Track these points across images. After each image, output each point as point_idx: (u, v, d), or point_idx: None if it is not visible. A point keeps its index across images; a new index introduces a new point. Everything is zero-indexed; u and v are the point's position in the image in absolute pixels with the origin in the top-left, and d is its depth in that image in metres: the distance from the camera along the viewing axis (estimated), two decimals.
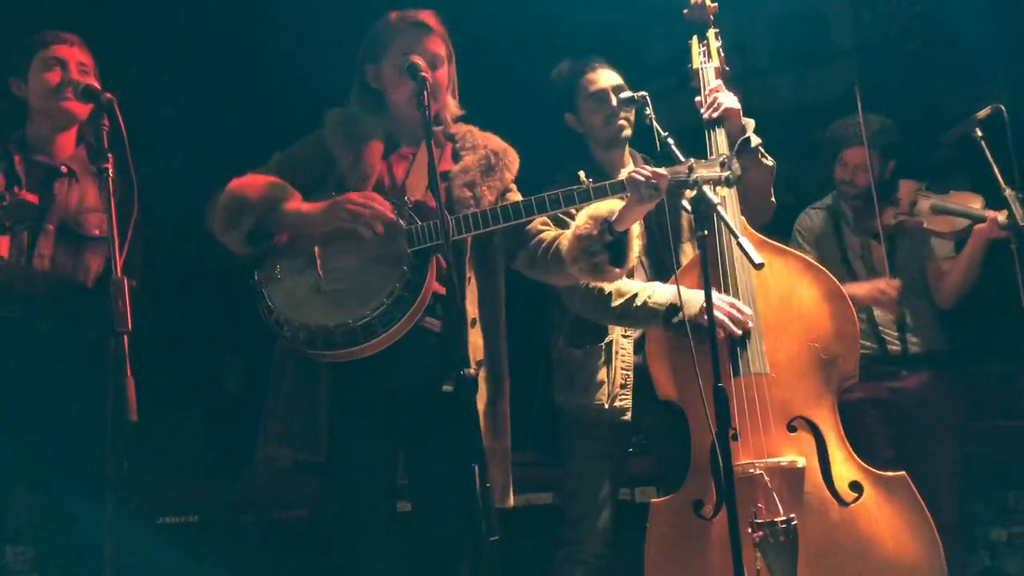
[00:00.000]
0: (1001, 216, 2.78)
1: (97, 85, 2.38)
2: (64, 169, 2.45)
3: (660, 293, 2.52)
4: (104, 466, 1.77)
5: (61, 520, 2.27)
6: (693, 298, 2.42)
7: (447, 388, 2.11)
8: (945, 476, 3.00)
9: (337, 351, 2.10)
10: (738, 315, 2.45)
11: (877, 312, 3.08)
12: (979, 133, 2.74)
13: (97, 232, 2.39)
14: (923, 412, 3.03)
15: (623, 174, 2.20)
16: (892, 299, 2.92)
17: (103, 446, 1.80)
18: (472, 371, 1.90)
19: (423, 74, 2.09)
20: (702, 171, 2.10)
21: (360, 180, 2.22)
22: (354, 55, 2.36)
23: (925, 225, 3.04)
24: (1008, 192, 2.67)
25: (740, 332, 2.46)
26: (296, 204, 2.16)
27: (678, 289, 2.36)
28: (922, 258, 3.15)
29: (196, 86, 4.23)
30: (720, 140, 2.63)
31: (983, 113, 2.74)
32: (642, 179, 2.11)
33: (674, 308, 2.43)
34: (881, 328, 3.08)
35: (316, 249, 2.13)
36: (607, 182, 2.15)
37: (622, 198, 2.17)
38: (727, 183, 2.12)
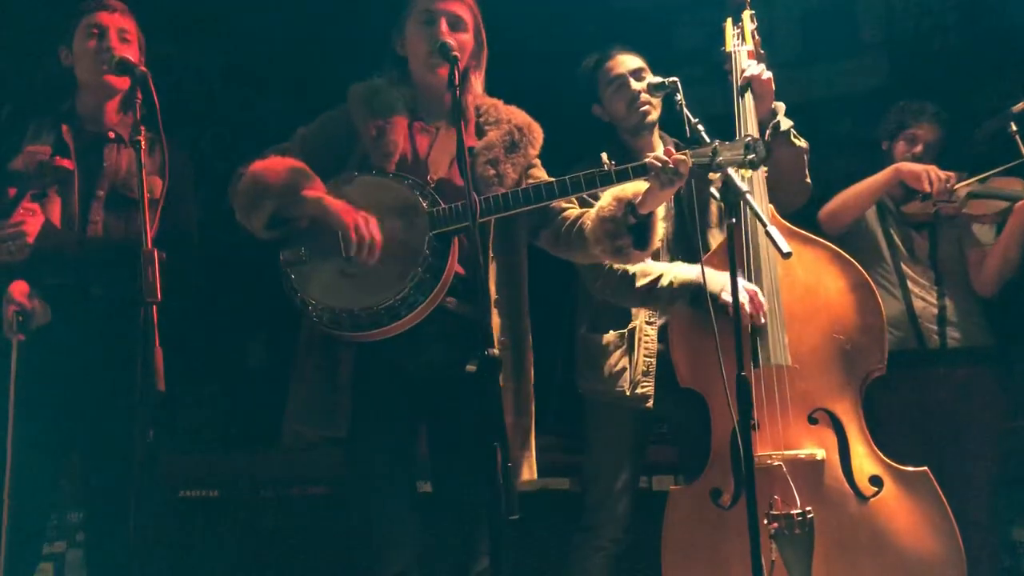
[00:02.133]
0: (1021, 205, 2.74)
1: (135, 56, 2.40)
2: (112, 135, 2.46)
3: (684, 273, 2.51)
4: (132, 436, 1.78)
5: (110, 489, 2.29)
6: (717, 278, 2.41)
7: (471, 367, 2.11)
8: (981, 475, 2.96)
9: (362, 332, 2.13)
10: (753, 304, 2.43)
11: (917, 306, 3.04)
12: (1014, 128, 2.71)
13: (149, 197, 2.40)
14: (961, 409, 2.98)
15: (657, 151, 2.19)
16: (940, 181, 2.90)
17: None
18: (496, 351, 1.90)
19: (455, 53, 2.09)
20: (726, 154, 2.08)
21: (383, 157, 2.22)
22: (382, 32, 2.36)
23: (964, 211, 3.00)
24: None
25: (751, 320, 2.43)
26: (317, 192, 2.16)
27: (703, 271, 2.34)
28: (964, 248, 3.10)
29: (225, 62, 4.25)
30: (748, 108, 2.61)
31: (1019, 107, 2.71)
32: (660, 164, 2.09)
33: (698, 287, 2.41)
34: (921, 321, 3.03)
35: (340, 232, 2.13)
36: (629, 165, 2.14)
37: (647, 180, 2.16)
38: (751, 165, 2.09)
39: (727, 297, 2.35)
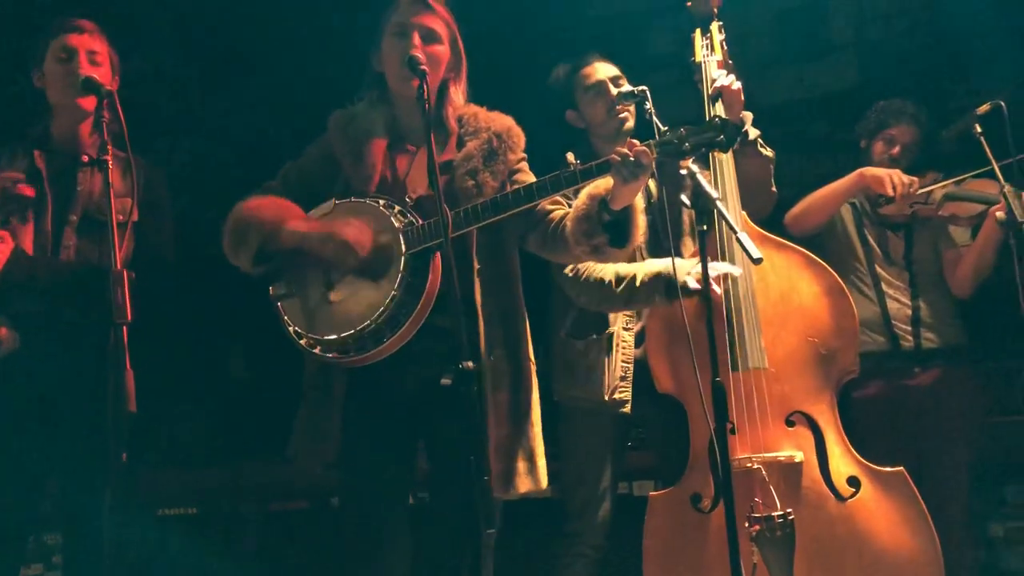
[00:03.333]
0: (1000, 212, 2.78)
1: (107, 77, 2.39)
2: (85, 158, 2.45)
3: (653, 266, 2.52)
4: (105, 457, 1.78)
5: (86, 510, 2.28)
6: (685, 265, 2.44)
7: (445, 381, 2.12)
8: (957, 473, 2.98)
9: (350, 357, 2.14)
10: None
11: (891, 308, 3.07)
12: (979, 129, 2.73)
13: (121, 218, 2.38)
14: (937, 409, 3.00)
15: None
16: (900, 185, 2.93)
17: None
18: (470, 364, 1.90)
19: (423, 67, 2.09)
20: (695, 137, 2.04)
21: (363, 181, 2.24)
22: (363, 46, 2.37)
23: (940, 212, 3.03)
24: (1007, 188, 2.66)
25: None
26: (296, 224, 2.19)
27: (673, 263, 2.35)
28: (939, 250, 3.13)
29: (201, 77, 4.24)
30: (719, 113, 2.63)
31: (983, 109, 2.73)
32: (620, 158, 2.06)
33: (669, 277, 2.42)
34: (895, 323, 3.06)
35: (322, 263, 2.15)
36: (593, 163, 2.11)
37: (612, 176, 2.12)
38: (722, 147, 2.06)
39: (694, 285, 2.38)
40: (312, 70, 3.62)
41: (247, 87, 3.99)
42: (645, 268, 2.53)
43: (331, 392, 2.21)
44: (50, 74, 2.43)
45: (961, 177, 2.99)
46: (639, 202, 2.19)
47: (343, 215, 2.19)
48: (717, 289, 2.44)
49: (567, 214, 2.25)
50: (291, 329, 2.19)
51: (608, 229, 2.15)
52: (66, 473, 2.37)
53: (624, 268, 2.57)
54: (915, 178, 2.98)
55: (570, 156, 2.15)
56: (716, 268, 2.46)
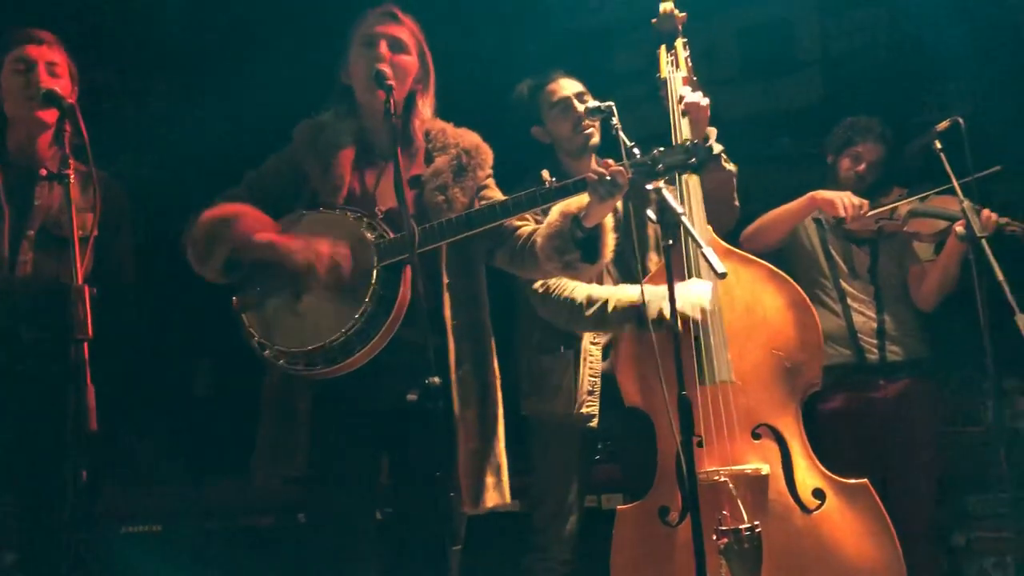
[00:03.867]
0: (959, 227, 2.82)
1: (66, 88, 2.36)
2: (44, 172, 2.41)
3: (627, 295, 2.54)
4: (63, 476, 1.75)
5: (44, 529, 2.25)
6: (659, 294, 2.44)
7: (411, 397, 2.11)
8: (921, 484, 3.03)
9: (318, 370, 2.12)
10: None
11: (856, 321, 3.11)
12: (938, 145, 2.78)
13: (82, 233, 2.36)
14: (900, 421, 3.04)
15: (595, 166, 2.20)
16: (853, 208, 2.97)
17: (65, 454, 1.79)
18: (437, 380, 1.90)
19: (389, 82, 2.10)
20: (667, 158, 2.09)
21: (330, 192, 2.22)
22: (331, 57, 2.36)
23: (905, 228, 3.07)
24: (965, 203, 2.71)
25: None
26: (267, 235, 2.16)
27: (642, 293, 2.37)
28: (904, 264, 3.18)
29: (168, 89, 4.20)
30: (685, 132, 2.66)
31: (942, 126, 2.78)
32: (597, 176, 2.09)
33: (642, 308, 2.44)
34: (860, 336, 3.10)
35: (290, 272, 2.13)
36: (569, 180, 2.14)
37: (588, 194, 2.16)
38: (694, 169, 2.11)
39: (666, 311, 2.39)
40: (281, 84, 3.60)
41: (213, 102, 3.96)
42: (618, 295, 2.55)
43: (295, 406, 2.18)
44: (7, 86, 2.40)
45: (925, 194, 3.05)
46: (608, 220, 2.22)
47: (312, 226, 2.18)
48: (697, 316, 2.45)
49: (535, 230, 2.27)
50: (255, 340, 2.15)
51: (580, 245, 2.17)
52: (24, 491, 2.33)
53: (596, 291, 2.58)
54: (865, 200, 3.02)
55: (545, 174, 2.18)
56: (689, 299, 2.47)
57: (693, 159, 2.08)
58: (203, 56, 3.95)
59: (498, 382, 2.31)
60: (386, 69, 2.15)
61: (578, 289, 2.59)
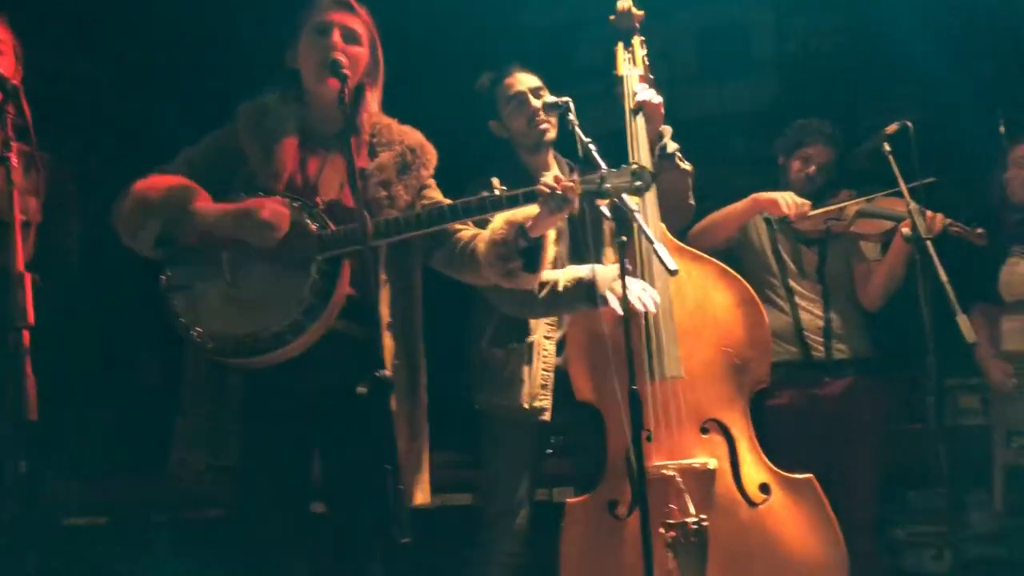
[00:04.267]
0: (905, 228, 2.89)
1: (10, 67, 2.30)
2: None
3: (575, 272, 2.55)
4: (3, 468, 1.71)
5: None
6: (608, 273, 2.47)
7: (361, 390, 2.10)
8: (864, 479, 3.08)
9: (248, 359, 2.08)
10: (647, 299, 2.50)
11: (804, 319, 3.16)
12: (887, 148, 2.83)
13: (24, 218, 2.29)
14: (845, 418, 3.09)
15: (547, 178, 2.22)
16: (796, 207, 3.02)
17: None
18: (387, 373, 1.90)
19: (345, 71, 2.08)
20: (614, 180, 2.12)
21: (271, 178, 2.17)
22: (277, 44, 2.32)
23: (852, 228, 3.13)
24: (912, 206, 2.76)
25: (648, 309, 2.49)
26: (204, 206, 2.10)
27: (594, 272, 2.38)
28: (851, 264, 3.23)
29: (117, 73, 4.11)
30: (640, 130, 2.69)
31: (891, 129, 2.82)
32: (548, 191, 2.12)
33: (590, 283, 2.46)
34: (806, 334, 3.14)
35: (225, 255, 2.08)
36: (520, 191, 2.15)
37: (538, 205, 2.17)
38: (637, 192, 2.14)
39: (614, 302, 2.41)
40: (235, 72, 3.55)
41: (167, 86, 3.90)
42: (567, 274, 2.56)
43: (224, 394, 2.13)
44: None
45: (872, 196, 3.11)
46: (551, 232, 2.24)
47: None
48: (640, 308, 2.47)
49: (476, 235, 2.27)
50: (181, 322, 2.08)
51: (523, 255, 2.19)
52: None
53: (546, 274, 2.59)
54: (807, 201, 3.07)
55: (495, 181, 2.18)
56: (637, 292, 2.48)
57: (639, 182, 2.12)
58: (156, 42, 3.88)
59: (425, 381, 2.29)
60: (342, 58, 2.13)
61: None
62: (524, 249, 2.19)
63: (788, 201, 3.05)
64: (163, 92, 3.88)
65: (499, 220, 2.21)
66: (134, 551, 3.11)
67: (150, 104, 3.90)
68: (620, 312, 2.36)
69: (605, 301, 2.41)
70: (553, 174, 2.18)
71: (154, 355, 3.98)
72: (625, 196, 2.16)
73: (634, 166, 2.13)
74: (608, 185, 2.11)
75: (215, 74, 3.64)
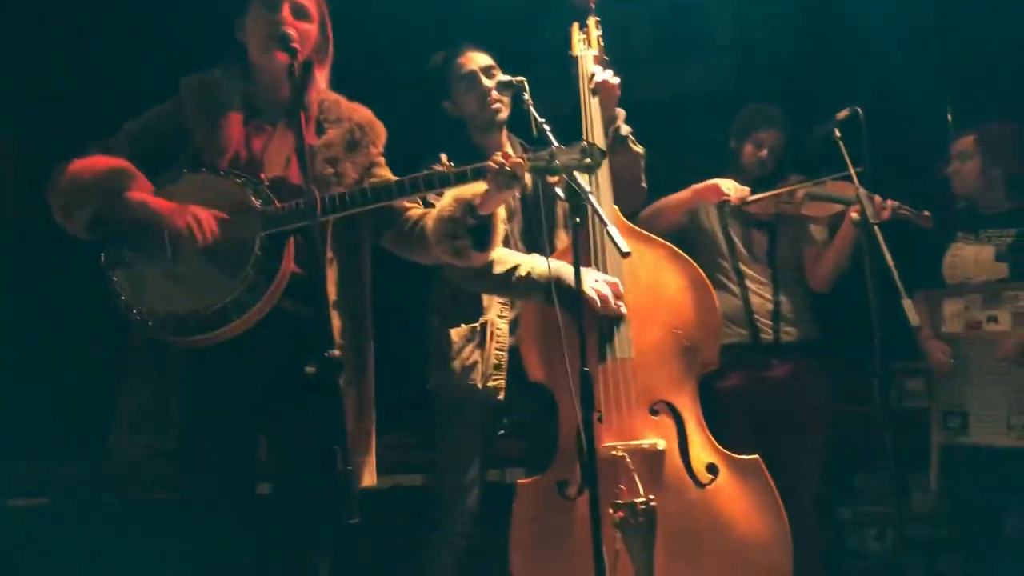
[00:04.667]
0: (854, 213, 2.93)
1: None
2: None
3: (542, 266, 2.54)
4: None
5: None
6: (568, 272, 2.45)
7: (310, 369, 2.08)
8: (810, 460, 3.14)
9: (190, 337, 2.05)
10: (613, 294, 2.50)
11: (754, 302, 3.19)
12: (838, 134, 2.86)
13: None
14: (791, 399, 3.15)
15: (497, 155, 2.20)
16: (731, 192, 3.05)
17: None
18: (336, 353, 1.88)
19: (294, 45, 2.05)
20: (564, 157, 2.11)
21: (215, 154, 2.14)
22: (222, 19, 2.28)
23: (802, 211, 3.17)
24: (861, 191, 2.80)
25: (612, 308, 2.49)
26: (141, 195, 2.07)
27: (549, 268, 2.38)
28: (800, 247, 3.27)
29: (56, 44, 3.98)
30: (595, 111, 2.69)
31: (842, 115, 2.86)
32: (496, 167, 2.11)
33: (551, 282, 2.45)
34: (756, 317, 3.19)
35: (166, 233, 2.06)
36: (468, 167, 2.14)
37: (486, 182, 2.16)
38: (588, 170, 2.13)
39: (584, 290, 2.40)
40: (163, 37, 3.45)
41: (103, 56, 3.79)
42: (530, 264, 2.55)
43: (165, 375, 2.11)
44: None
45: (821, 180, 3.15)
46: (501, 210, 2.24)
47: (194, 187, 2.10)
48: (596, 300, 2.47)
49: (425, 213, 2.26)
50: (123, 301, 2.06)
51: (472, 232, 2.18)
52: None
53: (508, 255, 2.58)
54: (747, 187, 3.10)
55: (443, 157, 2.17)
56: (593, 283, 2.48)
57: (588, 159, 2.11)
58: (99, 11, 3.76)
59: (372, 362, 2.28)
60: (292, 32, 2.10)
61: None
62: (473, 227, 2.18)
63: (726, 187, 3.08)
64: (105, 64, 3.76)
65: (447, 198, 2.20)
66: (75, 533, 3.06)
67: (91, 76, 3.78)
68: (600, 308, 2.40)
69: (563, 302, 2.37)
70: (502, 151, 2.16)
71: (98, 334, 3.90)
72: (578, 176, 2.16)
73: (584, 143, 2.12)
74: (558, 162, 2.10)
75: (158, 46, 3.54)
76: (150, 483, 3.13)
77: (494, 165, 2.11)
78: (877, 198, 2.95)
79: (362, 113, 2.32)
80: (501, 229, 2.25)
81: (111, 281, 2.07)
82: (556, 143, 2.22)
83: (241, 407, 2.15)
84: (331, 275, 2.17)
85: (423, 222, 2.25)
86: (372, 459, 2.25)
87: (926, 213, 3.02)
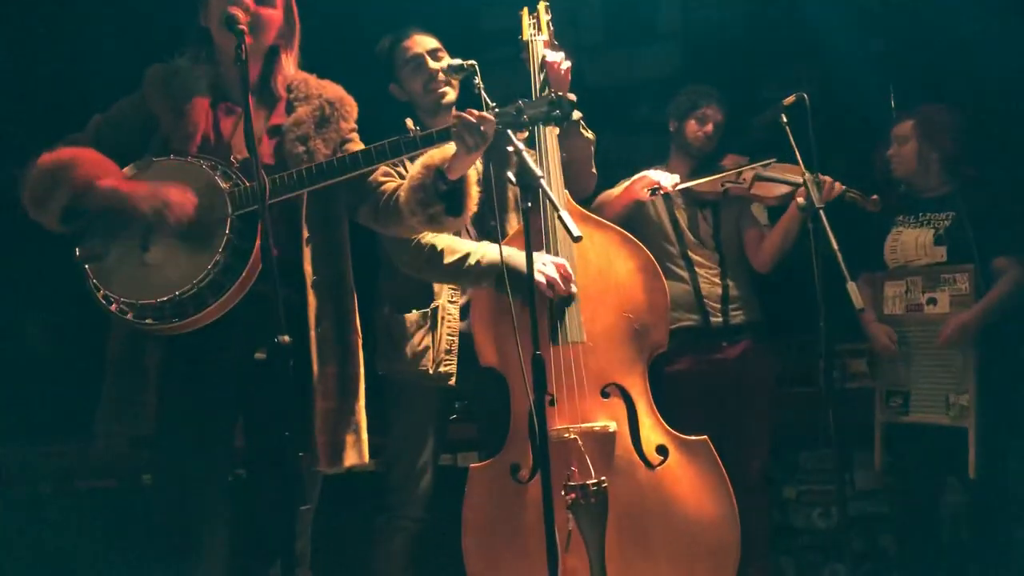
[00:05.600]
0: (800, 198, 2.98)
1: None
2: None
3: (492, 253, 2.55)
4: None
5: None
6: (520, 258, 2.46)
7: (260, 355, 2.07)
8: (757, 440, 3.21)
9: (168, 324, 2.04)
10: (559, 281, 2.51)
11: (703, 287, 3.24)
12: (784, 119, 2.90)
13: None
14: (739, 381, 3.21)
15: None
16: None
17: None
18: (287, 338, 1.86)
19: (240, 27, 2.02)
20: (531, 110, 2.10)
21: (183, 139, 2.14)
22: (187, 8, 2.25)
23: (751, 192, 3.21)
24: (806, 176, 2.84)
25: (562, 290, 2.51)
26: (113, 181, 2.06)
27: (500, 254, 2.38)
28: (740, 227, 3.33)
29: (24, 40, 3.88)
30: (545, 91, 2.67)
31: (788, 100, 2.89)
32: (460, 123, 2.08)
33: (503, 270, 2.46)
34: (706, 301, 3.23)
35: (138, 221, 2.04)
36: (433, 130, 2.14)
37: (454, 143, 2.15)
38: (557, 121, 2.13)
39: (535, 276, 2.41)
40: (129, 22, 3.39)
41: (59, 46, 3.70)
42: (481, 252, 2.55)
43: (143, 363, 2.10)
44: None
45: (768, 162, 3.20)
46: (472, 172, 2.22)
47: (163, 174, 2.09)
48: (544, 284, 2.48)
49: (400, 186, 2.24)
50: (100, 294, 2.05)
51: (444, 198, 2.17)
52: None
53: (459, 243, 2.57)
54: (676, 175, 3.14)
55: (409, 122, 2.17)
56: (542, 267, 2.49)
57: (557, 111, 2.10)
58: (64, 9, 3.68)
59: (360, 340, 2.28)
60: (237, 12, 2.07)
61: (440, 237, 2.58)
62: (445, 192, 2.16)
63: (657, 177, 3.08)
64: (72, 59, 3.68)
65: (416, 166, 2.19)
66: (20, 524, 3.00)
67: (57, 73, 3.70)
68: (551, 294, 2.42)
69: (515, 290, 2.37)
70: (466, 111, 2.15)
71: (45, 321, 3.81)
72: (530, 160, 2.17)
73: (552, 95, 2.12)
74: (526, 116, 2.09)
75: (123, 39, 3.48)
76: (93, 472, 3.08)
77: (458, 122, 2.08)
78: (827, 179, 3.00)
79: (333, 89, 2.31)
80: (475, 192, 2.23)
81: (86, 276, 2.07)
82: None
83: (216, 393, 2.14)
84: (307, 254, 2.17)
85: (397, 194, 2.23)
86: (362, 437, 2.24)
87: (874, 197, 3.08)
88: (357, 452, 2.23)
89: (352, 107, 2.31)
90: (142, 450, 2.18)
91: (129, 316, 2.04)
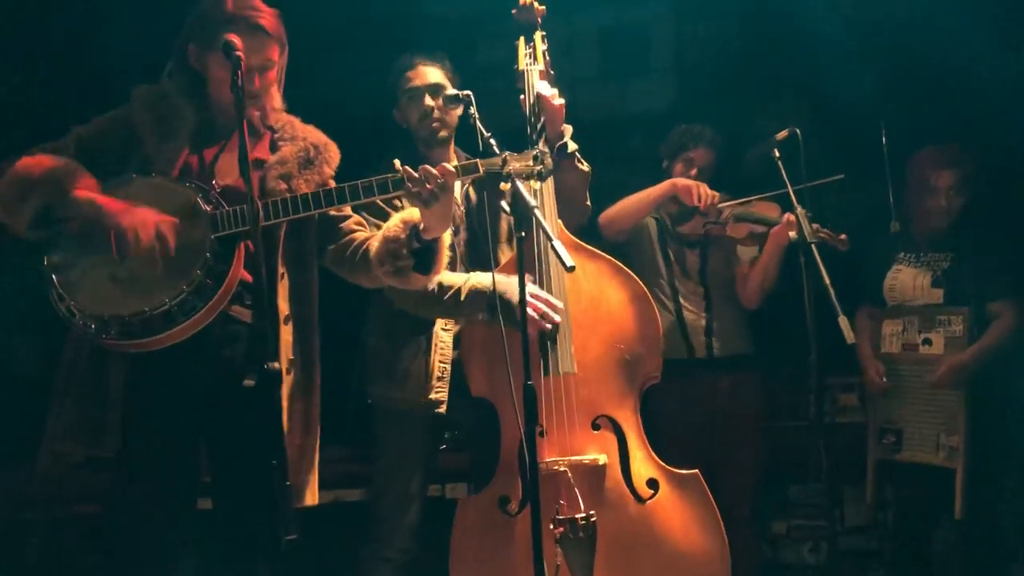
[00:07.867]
0: (792, 232, 2.99)
1: None
2: None
3: (480, 282, 2.55)
4: None
5: None
6: (511, 285, 2.45)
7: (248, 382, 2.05)
8: (744, 474, 3.20)
9: (133, 340, 2.01)
10: (550, 312, 2.50)
11: (688, 319, 3.25)
12: (777, 154, 2.92)
13: None
14: (727, 414, 3.20)
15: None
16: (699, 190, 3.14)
17: None
18: (276, 365, 1.85)
19: (237, 54, 2.03)
20: (515, 163, 2.13)
21: (166, 163, 2.14)
22: (166, 21, 2.25)
23: (728, 232, 3.24)
24: (799, 210, 2.85)
25: (548, 327, 2.51)
26: (89, 193, 2.05)
27: (494, 283, 2.38)
28: (731, 266, 3.34)
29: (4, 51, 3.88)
30: (540, 126, 2.70)
31: (781, 135, 2.92)
32: (411, 179, 2.11)
33: (493, 298, 2.45)
34: (691, 333, 3.24)
35: (112, 234, 2.02)
36: (389, 176, 2.16)
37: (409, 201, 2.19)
38: (539, 176, 2.16)
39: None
40: (113, 48, 3.40)
41: (39, 62, 3.70)
42: (472, 282, 2.55)
43: (106, 382, 2.07)
44: None
45: (748, 200, 3.22)
46: (447, 237, 2.26)
47: (143, 191, 2.08)
48: (536, 318, 2.47)
49: (371, 236, 2.28)
50: (64, 305, 2.02)
51: (415, 255, 2.20)
52: None
53: (450, 278, 2.57)
54: (717, 193, 3.18)
55: (397, 163, 2.17)
56: (536, 292, 2.49)
57: (540, 167, 2.14)
58: (47, 22, 3.68)
59: (319, 378, 2.27)
60: (235, 40, 2.08)
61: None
62: (417, 250, 2.20)
63: (702, 192, 3.16)
64: (50, 71, 3.69)
65: (395, 219, 2.24)
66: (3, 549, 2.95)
67: (23, 80, 3.69)
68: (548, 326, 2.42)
69: (508, 319, 2.37)
70: (423, 166, 2.16)
71: (30, 342, 3.78)
72: (524, 191, 2.17)
73: (536, 150, 2.15)
74: (510, 168, 2.12)
75: (107, 54, 3.48)
76: (77, 497, 3.03)
77: (410, 184, 2.12)
78: (788, 216, 3.02)
79: (317, 135, 2.34)
80: (446, 256, 2.27)
81: (53, 285, 2.03)
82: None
83: (183, 416, 2.11)
84: (282, 290, 2.17)
85: (368, 243, 2.26)
86: (315, 478, 2.24)
87: (842, 236, 3.09)
88: (311, 493, 2.24)
89: (335, 154, 2.33)
90: (101, 472, 2.13)
91: (93, 328, 2.01)
